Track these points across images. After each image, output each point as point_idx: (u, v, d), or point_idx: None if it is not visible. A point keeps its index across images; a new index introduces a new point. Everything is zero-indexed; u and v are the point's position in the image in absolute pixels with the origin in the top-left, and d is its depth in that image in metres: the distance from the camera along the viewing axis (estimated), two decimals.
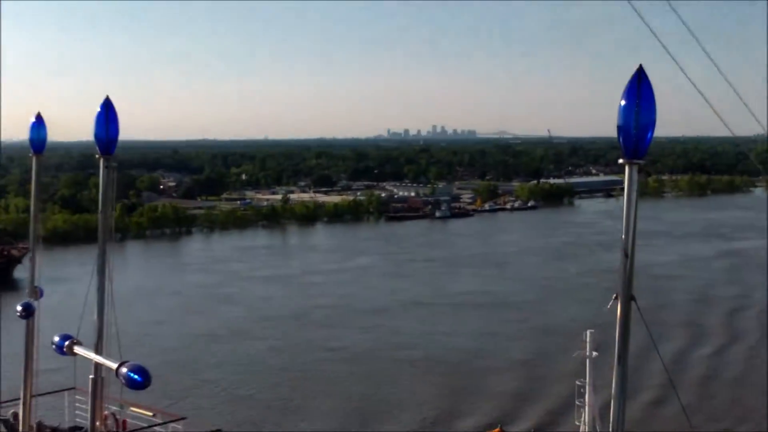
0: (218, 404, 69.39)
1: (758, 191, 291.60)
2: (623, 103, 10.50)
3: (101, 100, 18.12)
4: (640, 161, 10.64)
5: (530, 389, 69.39)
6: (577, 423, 32.42)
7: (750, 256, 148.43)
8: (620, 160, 10.68)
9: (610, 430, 9.36)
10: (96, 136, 18.07)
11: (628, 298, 9.48)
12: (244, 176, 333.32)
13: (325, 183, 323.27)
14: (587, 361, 30.26)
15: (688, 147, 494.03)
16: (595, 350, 29.99)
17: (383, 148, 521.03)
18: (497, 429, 32.83)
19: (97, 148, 18.10)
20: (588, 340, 30.31)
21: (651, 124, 10.54)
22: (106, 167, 18.17)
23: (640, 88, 10.40)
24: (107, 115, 17.99)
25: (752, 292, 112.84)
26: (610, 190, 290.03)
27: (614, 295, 10.05)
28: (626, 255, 9.65)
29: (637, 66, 10.70)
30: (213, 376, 77.29)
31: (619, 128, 10.50)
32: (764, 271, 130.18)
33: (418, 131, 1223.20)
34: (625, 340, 9.67)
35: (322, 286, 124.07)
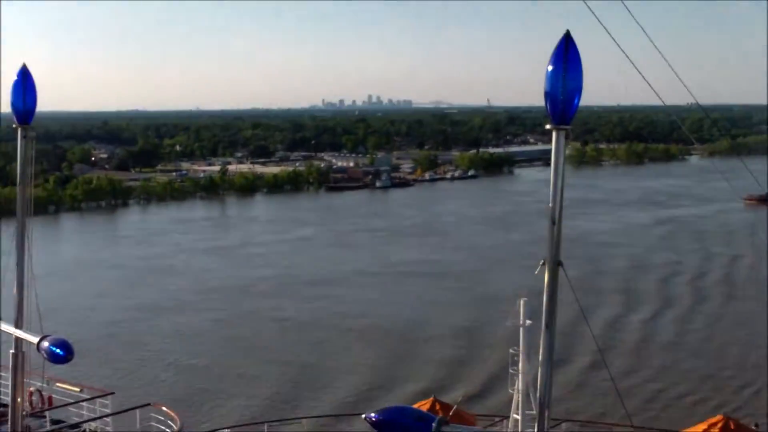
0: (161, 376, 68.67)
1: (693, 159, 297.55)
2: (550, 68, 10.17)
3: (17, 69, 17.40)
4: (567, 127, 10.32)
5: (469, 357, 69.88)
6: (511, 390, 32.53)
7: (685, 223, 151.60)
8: (547, 126, 10.47)
9: (538, 394, 9.24)
10: (13, 105, 17.35)
11: (556, 264, 9.39)
12: (178, 147, 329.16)
13: (262, 154, 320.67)
14: (521, 329, 30.30)
15: (624, 116, 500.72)
16: (530, 318, 29.99)
17: (319, 119, 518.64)
18: (430, 399, 32.75)
19: (15, 117, 17.34)
20: (521, 308, 30.26)
21: (578, 89, 10.25)
22: (24, 137, 17.41)
23: (567, 54, 10.12)
24: (24, 83, 17.23)
25: (687, 259, 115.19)
26: (549, 159, 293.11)
27: (541, 261, 9.98)
28: (553, 222, 9.62)
29: (564, 32, 10.38)
30: (158, 348, 76.47)
31: (546, 94, 10.21)
32: (699, 238, 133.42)
33: (354, 101, 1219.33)
34: (552, 305, 9.61)
35: (265, 257, 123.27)
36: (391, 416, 9.59)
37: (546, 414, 8.91)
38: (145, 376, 68.27)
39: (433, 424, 9.25)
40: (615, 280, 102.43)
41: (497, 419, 37.19)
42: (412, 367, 68.37)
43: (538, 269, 9.96)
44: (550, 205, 9.64)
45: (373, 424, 9.53)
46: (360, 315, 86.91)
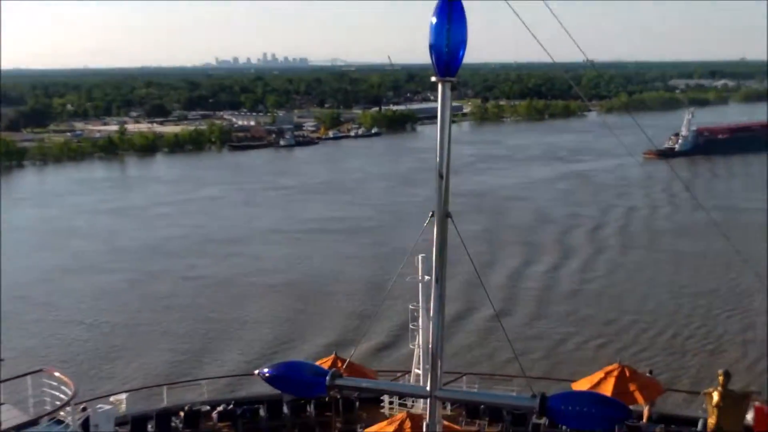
0: (73, 337, 68.45)
1: (592, 115, 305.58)
2: (434, 21, 10.10)
3: None
4: (453, 79, 10.21)
5: (375, 312, 71.29)
6: (412, 346, 34.40)
7: (587, 177, 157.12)
8: (433, 78, 10.30)
9: (430, 347, 9.34)
10: None
11: (444, 216, 9.31)
12: (70, 107, 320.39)
13: (158, 113, 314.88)
14: (420, 285, 31.60)
15: (523, 74, 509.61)
16: (428, 274, 30.96)
17: (214, 77, 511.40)
18: (332, 356, 33.73)
19: None
20: (420, 264, 31.16)
21: (463, 42, 10.16)
22: None
23: (451, 6, 10.03)
24: None
25: (588, 212, 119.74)
26: (452, 114, 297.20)
27: (431, 213, 9.98)
28: (441, 176, 9.42)
29: None
30: (66, 310, 75.99)
31: (431, 47, 10.09)
32: (599, 191, 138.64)
33: (248, 59, 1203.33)
34: (441, 259, 9.38)
35: (172, 218, 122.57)
36: (284, 371, 9.61)
37: (439, 366, 8.94)
38: (54, 338, 67.99)
39: (327, 378, 9.22)
40: (520, 232, 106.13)
41: (399, 374, 38.81)
42: (323, 323, 69.61)
43: (426, 221, 10.15)
44: (437, 159, 9.39)
45: (267, 379, 9.56)
46: (275, 271, 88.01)
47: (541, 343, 63.96)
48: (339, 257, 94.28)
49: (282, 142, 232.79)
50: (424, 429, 8.79)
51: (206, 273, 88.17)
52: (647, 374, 34.67)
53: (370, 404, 36.00)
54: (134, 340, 67.31)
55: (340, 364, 32.09)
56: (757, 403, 31.35)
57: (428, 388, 9.01)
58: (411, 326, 33.78)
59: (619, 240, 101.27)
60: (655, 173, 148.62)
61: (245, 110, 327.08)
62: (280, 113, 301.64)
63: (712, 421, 28.82)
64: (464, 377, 38.43)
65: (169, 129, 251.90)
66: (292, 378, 9.61)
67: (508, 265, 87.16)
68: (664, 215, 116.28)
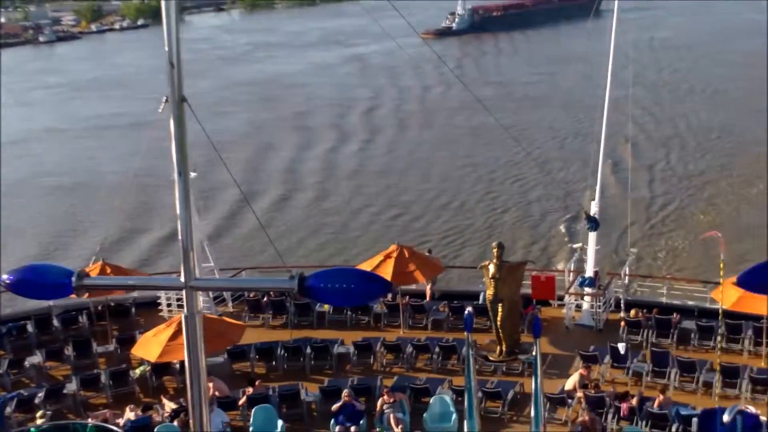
0: None
1: None
2: None
3: None
4: None
5: (147, 211, 71.23)
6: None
7: (369, 60, 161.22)
8: None
9: (180, 239, 8.80)
10: None
11: (180, 101, 8.63)
12: None
13: None
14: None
15: None
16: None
17: None
18: (99, 262, 34.66)
19: None
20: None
21: None
22: None
23: None
24: None
25: (381, 93, 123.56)
26: (221, 4, 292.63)
27: (164, 99, 10.08)
28: (172, 65, 8.64)
29: None
30: None
31: None
32: (388, 74, 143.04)
33: None
34: (182, 148, 8.73)
35: None
36: (27, 275, 8.79)
37: (192, 258, 8.50)
38: None
39: (73, 278, 8.53)
40: (321, 116, 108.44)
41: (175, 275, 40.16)
42: (98, 226, 66.83)
43: (161, 107, 10.34)
44: (166, 48, 8.58)
45: (8, 286, 8.75)
46: (65, 173, 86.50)
47: (322, 229, 65.65)
48: (124, 153, 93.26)
49: (42, 39, 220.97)
50: (183, 322, 8.28)
51: None
52: (426, 254, 36.92)
53: (147, 309, 36.60)
54: None
55: (108, 270, 32.35)
56: (534, 273, 34.78)
57: (182, 280, 8.42)
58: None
59: (416, 118, 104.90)
60: (431, 54, 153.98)
61: None
62: (32, 8, 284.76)
63: (490, 292, 30.96)
64: (243, 272, 39.79)
65: None
66: (36, 281, 8.79)
67: (318, 148, 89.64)
68: (439, 93, 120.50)
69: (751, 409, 25.04)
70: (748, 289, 8.35)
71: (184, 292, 8.40)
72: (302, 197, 74.30)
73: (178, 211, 8.67)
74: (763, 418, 24.00)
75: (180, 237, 8.49)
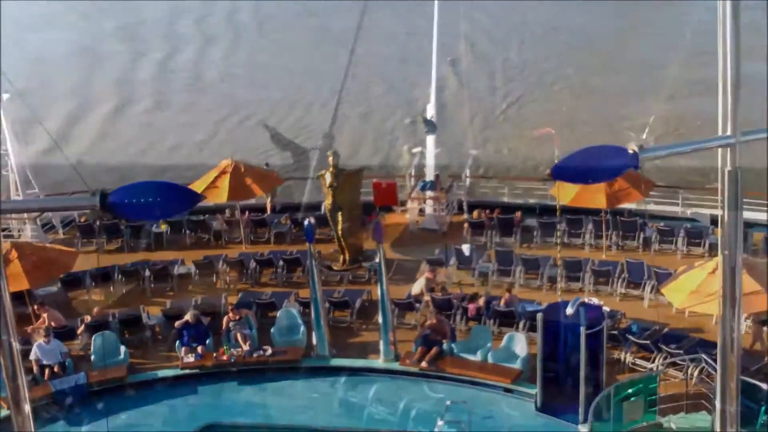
0: None
1: None
2: None
3: None
4: None
5: None
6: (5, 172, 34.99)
7: None
8: None
9: None
10: None
11: None
12: None
13: None
14: None
15: None
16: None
17: None
18: None
19: None
20: None
21: None
22: None
23: None
24: None
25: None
26: None
27: None
28: None
29: None
30: None
31: None
32: None
33: None
34: None
35: None
36: None
37: None
38: None
39: None
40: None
41: None
42: None
43: None
44: None
45: None
46: None
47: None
48: None
49: None
50: None
51: None
52: (264, 167, 36.61)
53: None
54: None
55: None
56: (375, 180, 35.04)
57: None
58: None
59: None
60: None
61: None
62: None
63: (328, 201, 31.24)
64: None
65: None
66: None
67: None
68: None
69: (594, 300, 26.52)
70: (561, 179, 8.51)
71: None
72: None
73: None
74: (605, 309, 25.42)
75: None
